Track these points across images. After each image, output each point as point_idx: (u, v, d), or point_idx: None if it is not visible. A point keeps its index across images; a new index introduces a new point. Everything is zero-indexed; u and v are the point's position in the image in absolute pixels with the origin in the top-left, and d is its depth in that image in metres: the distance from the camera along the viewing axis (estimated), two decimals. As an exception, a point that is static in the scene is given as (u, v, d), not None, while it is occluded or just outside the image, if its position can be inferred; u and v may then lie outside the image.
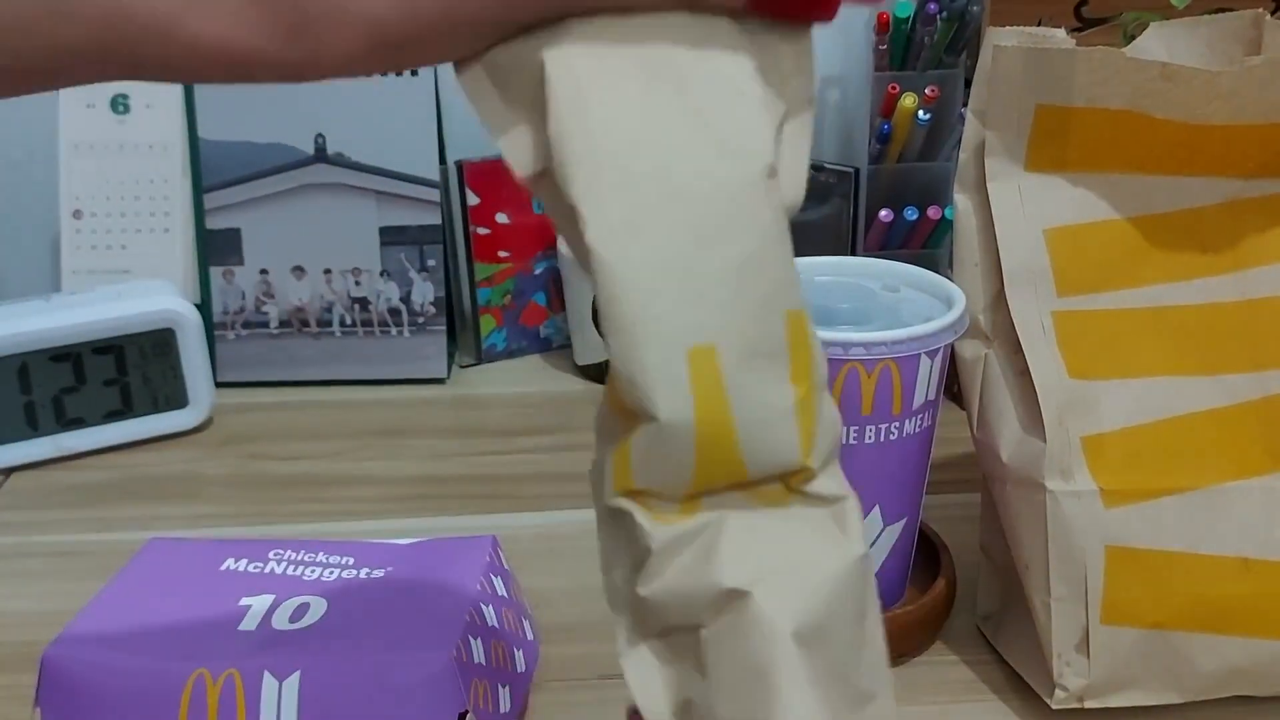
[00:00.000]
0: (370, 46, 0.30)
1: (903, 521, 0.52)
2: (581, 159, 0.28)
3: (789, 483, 0.29)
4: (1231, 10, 0.49)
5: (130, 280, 0.79)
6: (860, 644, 0.30)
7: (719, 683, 0.28)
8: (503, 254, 0.86)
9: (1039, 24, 0.50)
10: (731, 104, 0.28)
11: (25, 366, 0.71)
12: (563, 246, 0.82)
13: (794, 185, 0.30)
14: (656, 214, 0.28)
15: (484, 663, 0.45)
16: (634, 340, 0.28)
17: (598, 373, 0.83)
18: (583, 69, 0.28)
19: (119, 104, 0.83)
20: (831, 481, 0.30)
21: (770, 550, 0.29)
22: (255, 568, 0.49)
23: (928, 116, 0.78)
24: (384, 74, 0.33)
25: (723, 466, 0.28)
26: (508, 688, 0.47)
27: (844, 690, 0.29)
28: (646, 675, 0.30)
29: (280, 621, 0.45)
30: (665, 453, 0.28)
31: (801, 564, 0.29)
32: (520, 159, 0.29)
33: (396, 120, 0.82)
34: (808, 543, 0.29)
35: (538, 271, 0.88)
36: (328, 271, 0.83)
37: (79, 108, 0.82)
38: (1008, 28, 0.49)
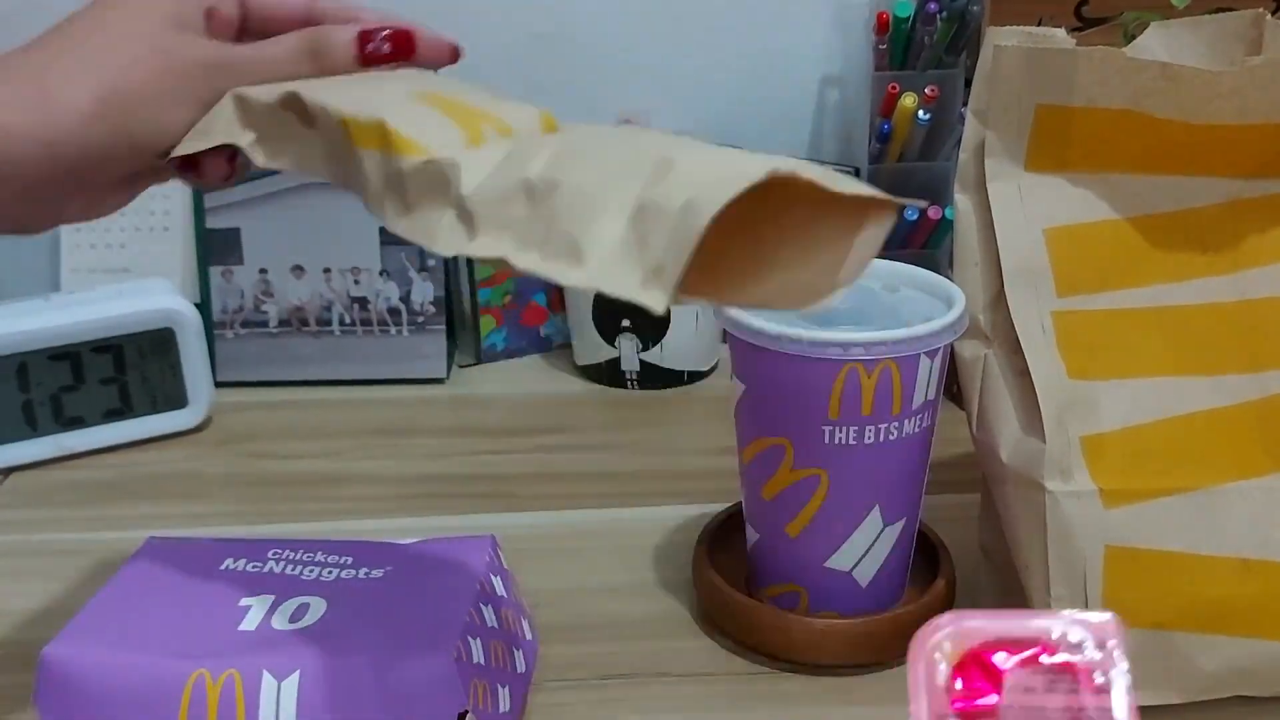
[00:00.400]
0: (99, 99, 0.40)
1: (902, 522, 0.52)
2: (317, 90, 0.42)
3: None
4: (1232, 10, 0.49)
5: (129, 279, 0.79)
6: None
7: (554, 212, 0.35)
8: (502, 253, 0.86)
9: (1039, 24, 0.50)
10: (383, 81, 0.44)
11: (24, 366, 0.71)
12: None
13: None
14: (369, 97, 0.41)
15: (483, 663, 0.45)
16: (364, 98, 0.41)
17: (598, 373, 0.83)
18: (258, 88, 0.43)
19: (118, 103, 0.83)
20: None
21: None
22: (255, 567, 0.49)
23: (928, 116, 0.78)
24: (115, 145, 0.43)
25: (482, 119, 0.39)
26: (507, 688, 0.47)
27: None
28: (500, 237, 0.36)
29: (280, 621, 0.45)
30: (426, 117, 0.39)
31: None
32: (233, 133, 0.43)
33: (396, 119, 0.82)
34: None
35: (537, 271, 0.88)
36: (327, 271, 0.83)
37: (78, 107, 0.82)
38: (1008, 27, 0.49)
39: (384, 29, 0.45)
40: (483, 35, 0.90)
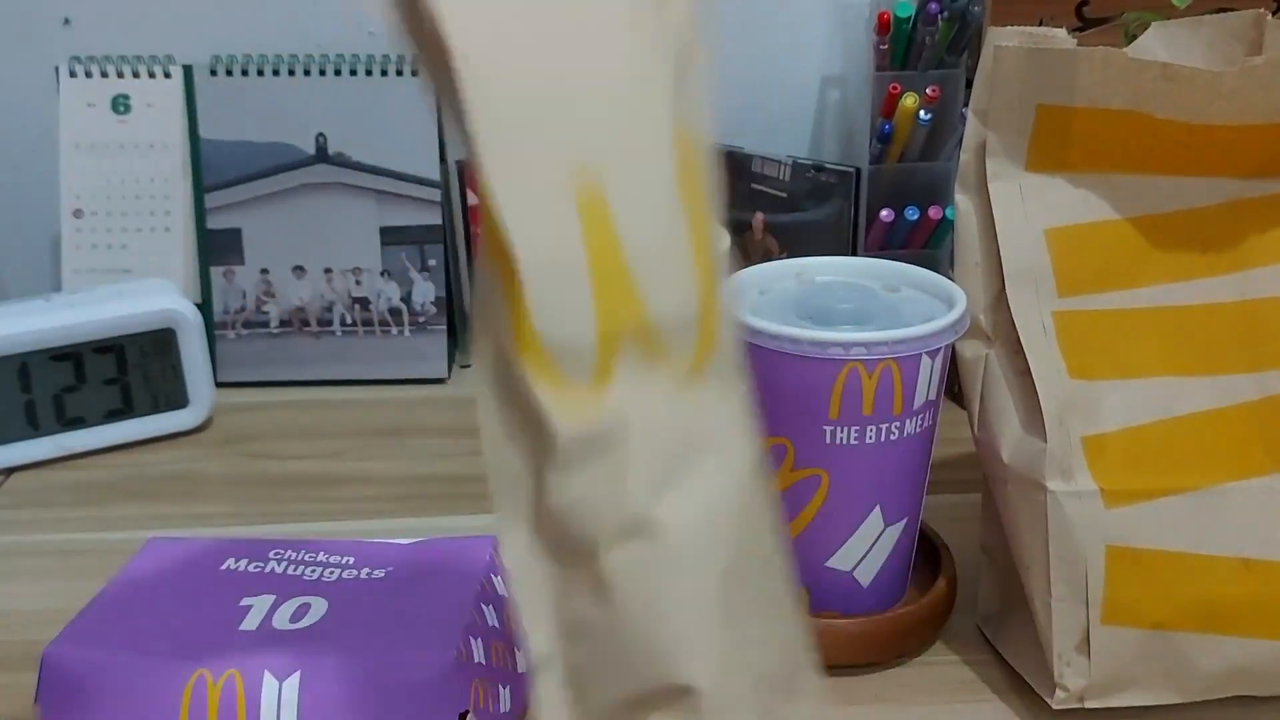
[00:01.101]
0: None
1: (903, 522, 0.52)
2: None
3: (700, 352, 0.28)
4: (1232, 10, 0.49)
5: (131, 280, 0.79)
6: (774, 568, 0.29)
7: (626, 619, 0.27)
8: (503, 254, 0.86)
9: (1040, 24, 0.50)
10: None
11: (26, 366, 0.71)
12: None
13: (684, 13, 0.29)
14: (531, 39, 0.27)
15: (484, 663, 0.45)
16: (515, 166, 0.27)
17: (598, 372, 0.82)
18: None
19: (120, 104, 0.83)
20: (730, 361, 0.29)
21: (683, 458, 0.28)
22: (256, 567, 0.49)
23: (929, 116, 0.78)
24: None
25: (622, 304, 0.27)
26: (508, 688, 0.47)
27: (765, 658, 0.29)
28: (534, 588, 0.29)
29: (281, 621, 0.45)
30: (563, 285, 0.27)
31: (714, 475, 0.28)
32: None
33: (397, 120, 0.82)
34: (718, 448, 0.28)
35: (538, 271, 0.88)
36: (328, 271, 0.83)
37: (80, 107, 0.82)
38: (1009, 27, 0.49)
39: None
40: (484, 35, 0.90)
